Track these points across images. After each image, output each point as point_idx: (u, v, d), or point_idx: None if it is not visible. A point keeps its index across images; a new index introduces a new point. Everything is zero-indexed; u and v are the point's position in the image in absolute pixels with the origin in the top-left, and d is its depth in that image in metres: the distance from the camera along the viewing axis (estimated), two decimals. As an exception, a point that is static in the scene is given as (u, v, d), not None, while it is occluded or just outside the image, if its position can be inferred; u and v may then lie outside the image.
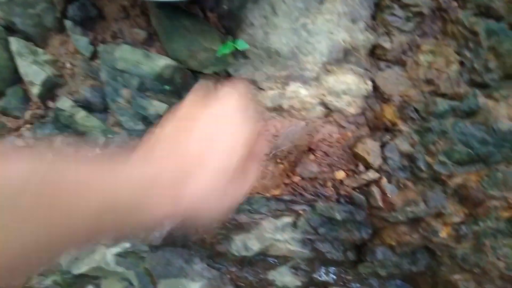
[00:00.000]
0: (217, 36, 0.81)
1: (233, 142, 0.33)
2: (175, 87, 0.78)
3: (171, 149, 0.32)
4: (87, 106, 0.77)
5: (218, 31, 0.83)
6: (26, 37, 0.82)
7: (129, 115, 0.75)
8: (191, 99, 0.37)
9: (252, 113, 0.35)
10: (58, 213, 0.23)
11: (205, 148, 0.32)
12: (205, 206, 0.32)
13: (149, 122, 0.74)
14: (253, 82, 0.88)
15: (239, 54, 0.85)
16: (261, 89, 0.89)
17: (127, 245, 0.82)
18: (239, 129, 0.34)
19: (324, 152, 0.87)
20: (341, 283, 0.87)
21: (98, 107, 0.77)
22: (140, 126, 0.74)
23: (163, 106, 0.74)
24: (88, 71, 0.80)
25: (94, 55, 0.81)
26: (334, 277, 0.88)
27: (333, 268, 0.88)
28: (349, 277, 0.87)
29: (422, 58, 0.83)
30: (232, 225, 0.84)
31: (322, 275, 0.88)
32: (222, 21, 0.85)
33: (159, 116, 0.74)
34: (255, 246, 0.86)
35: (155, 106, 0.74)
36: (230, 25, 0.85)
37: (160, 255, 0.87)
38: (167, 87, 0.77)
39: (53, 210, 0.23)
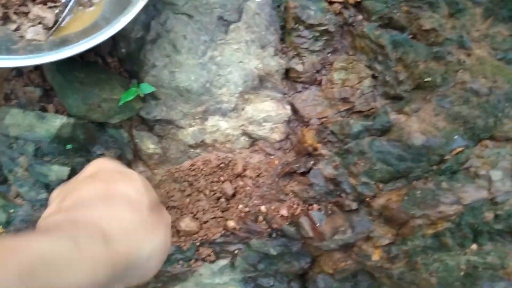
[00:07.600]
0: (117, 83, 0.76)
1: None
2: (79, 144, 0.72)
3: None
4: (-18, 181, 0.70)
5: (120, 77, 0.78)
6: None
7: (29, 184, 0.68)
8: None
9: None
10: None
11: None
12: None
13: (52, 189, 0.68)
14: (170, 122, 0.84)
15: (148, 96, 0.80)
16: (180, 127, 0.85)
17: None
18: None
19: (254, 184, 0.84)
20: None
21: (-5, 181, 0.70)
22: (43, 195, 0.68)
23: (64, 169, 0.68)
24: (-19, 141, 0.73)
25: (-15, 122, 0.74)
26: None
27: (280, 300, 0.85)
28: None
29: (336, 75, 0.82)
30: (167, 277, 0.80)
31: (270, 309, 0.85)
32: (123, 65, 0.80)
33: (62, 181, 0.68)
34: (195, 294, 0.82)
35: (56, 171, 0.68)
36: (132, 69, 0.80)
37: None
38: (69, 146, 0.71)
39: None
